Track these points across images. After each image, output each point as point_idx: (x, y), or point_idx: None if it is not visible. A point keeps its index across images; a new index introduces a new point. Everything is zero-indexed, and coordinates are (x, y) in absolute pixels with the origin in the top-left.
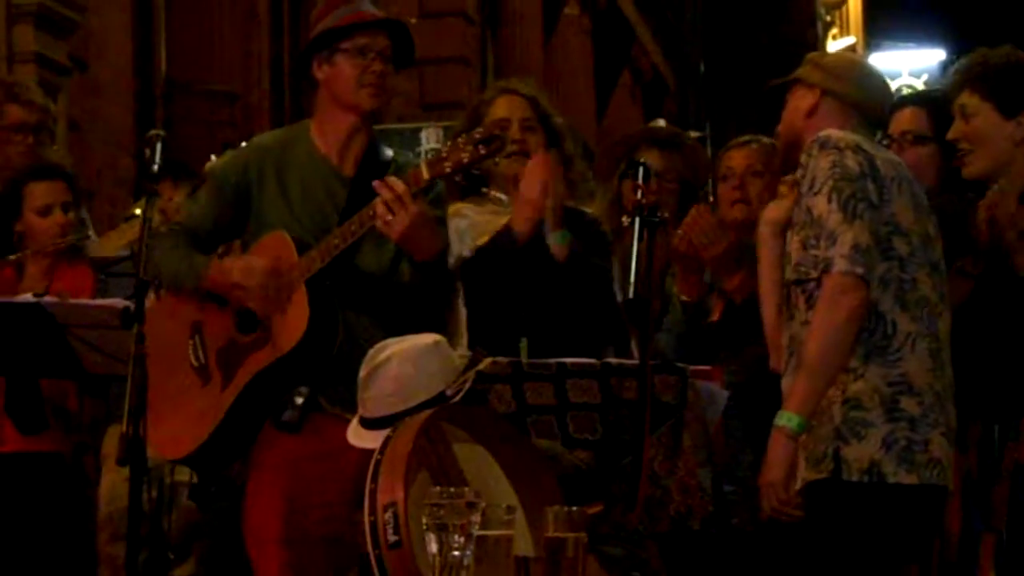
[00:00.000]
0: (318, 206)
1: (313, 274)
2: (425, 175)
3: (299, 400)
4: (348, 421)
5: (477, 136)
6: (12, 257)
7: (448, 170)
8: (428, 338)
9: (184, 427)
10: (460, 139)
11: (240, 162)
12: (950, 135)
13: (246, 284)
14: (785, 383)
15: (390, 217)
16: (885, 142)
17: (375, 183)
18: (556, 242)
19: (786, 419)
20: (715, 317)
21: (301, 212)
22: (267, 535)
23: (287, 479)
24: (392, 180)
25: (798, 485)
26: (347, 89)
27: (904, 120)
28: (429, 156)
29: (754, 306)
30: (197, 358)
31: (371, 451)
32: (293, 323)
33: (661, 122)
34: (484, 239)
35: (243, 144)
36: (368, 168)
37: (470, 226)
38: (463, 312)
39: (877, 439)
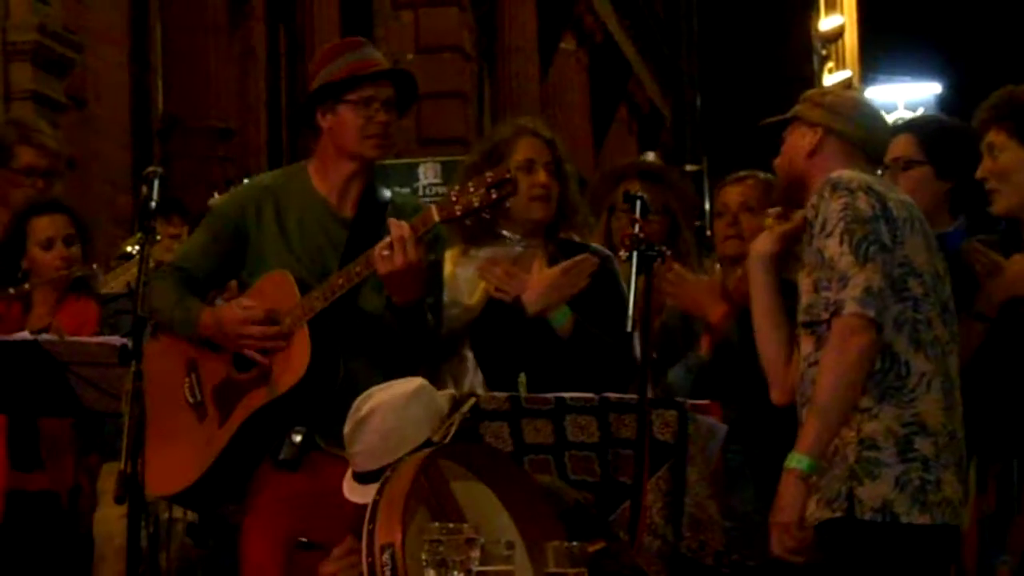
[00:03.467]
0: (317, 247)
1: (315, 314)
2: (435, 217)
3: (297, 438)
4: (344, 460)
5: (488, 179)
6: (12, 290)
7: (459, 213)
8: (410, 384)
9: (178, 464)
10: (470, 182)
11: (238, 201)
12: (978, 173)
13: (242, 333)
14: (801, 423)
15: (387, 254)
16: (879, 172)
17: (389, 220)
18: (559, 322)
19: (796, 461)
20: (703, 351)
21: (300, 252)
22: (267, 573)
23: (286, 517)
24: (401, 223)
25: (809, 525)
26: (351, 140)
27: (896, 148)
28: (439, 198)
29: (741, 339)
30: (193, 395)
31: None
32: (293, 363)
33: (651, 155)
34: (483, 290)
35: (244, 181)
36: (367, 210)
37: (473, 275)
38: (469, 356)
39: (891, 479)
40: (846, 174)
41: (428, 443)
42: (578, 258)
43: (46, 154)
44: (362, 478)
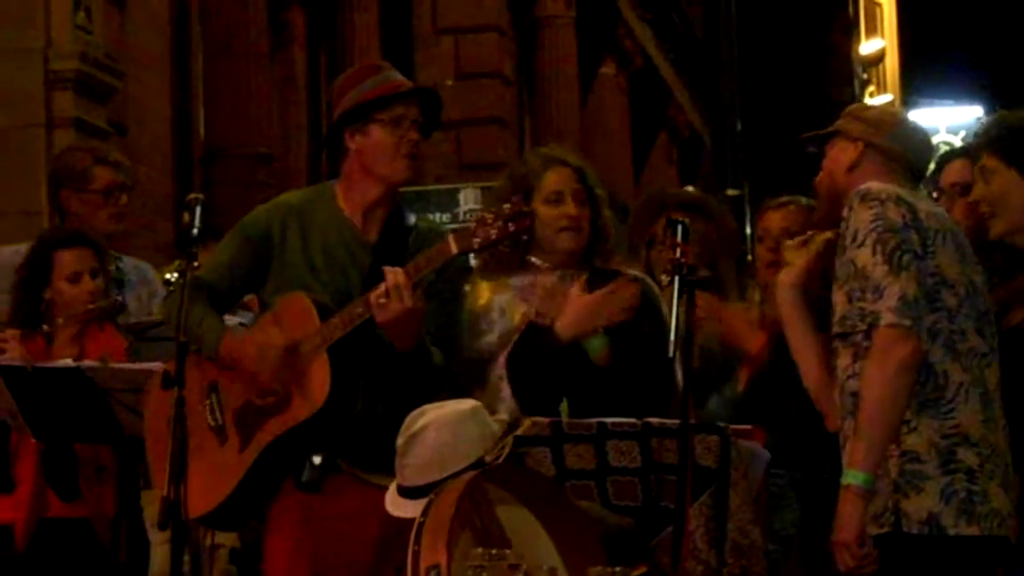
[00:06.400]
0: (341, 269)
1: (334, 342)
2: (453, 249)
3: (317, 460)
4: (367, 483)
5: (506, 212)
6: (45, 327)
7: (476, 246)
8: (466, 404)
9: (201, 487)
10: (487, 215)
11: (264, 219)
12: (972, 196)
13: (260, 365)
14: (842, 439)
15: (383, 301)
16: (935, 195)
17: (384, 268)
18: (595, 351)
19: (852, 477)
20: (741, 387)
21: (324, 274)
22: None
23: (310, 539)
24: (396, 270)
25: None
26: (382, 159)
27: (953, 172)
28: (456, 229)
29: (779, 367)
30: (214, 418)
31: (396, 517)
32: (314, 389)
33: (690, 188)
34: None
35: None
36: (391, 234)
37: (511, 300)
38: (503, 387)
39: (935, 491)
40: (875, 185)
41: (479, 463)
42: (612, 285)
43: (121, 169)
44: (407, 493)
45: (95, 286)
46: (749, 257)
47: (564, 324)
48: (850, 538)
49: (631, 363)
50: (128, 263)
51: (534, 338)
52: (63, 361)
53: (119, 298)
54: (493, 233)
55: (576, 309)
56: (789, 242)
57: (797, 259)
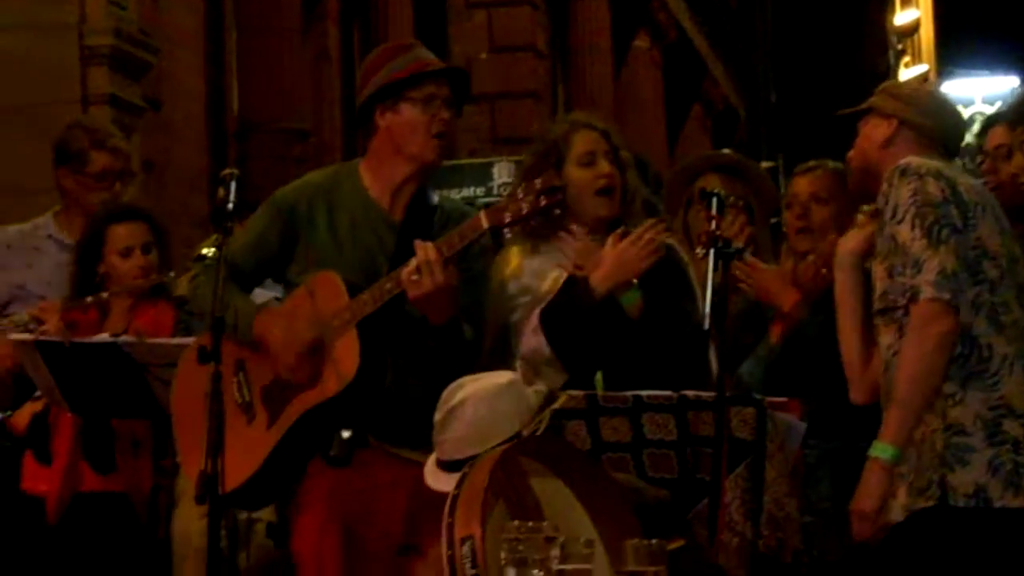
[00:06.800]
0: (367, 249)
1: (364, 318)
2: (484, 224)
3: (346, 435)
4: (396, 456)
5: (537, 186)
6: (89, 299)
7: (507, 220)
8: (503, 377)
9: (228, 464)
10: (519, 189)
11: (291, 197)
12: (1011, 167)
13: (284, 354)
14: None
15: (415, 278)
16: (979, 158)
17: (415, 243)
18: (629, 303)
19: (880, 450)
20: (774, 340)
21: (350, 254)
22: (328, 567)
23: (340, 513)
24: (427, 245)
25: (900, 516)
26: (413, 138)
27: (997, 136)
28: (488, 205)
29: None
30: (241, 395)
31: (425, 489)
32: (343, 365)
33: (727, 151)
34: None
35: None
36: (416, 214)
37: (541, 265)
38: (545, 350)
39: (982, 464)
40: (915, 160)
41: (517, 437)
42: (639, 230)
43: (119, 157)
44: (447, 466)
45: (147, 261)
46: (784, 229)
47: (600, 276)
48: (870, 509)
49: (662, 316)
50: None
51: (571, 291)
52: (100, 336)
53: (172, 274)
54: (524, 208)
55: (610, 260)
56: (865, 207)
57: (867, 226)
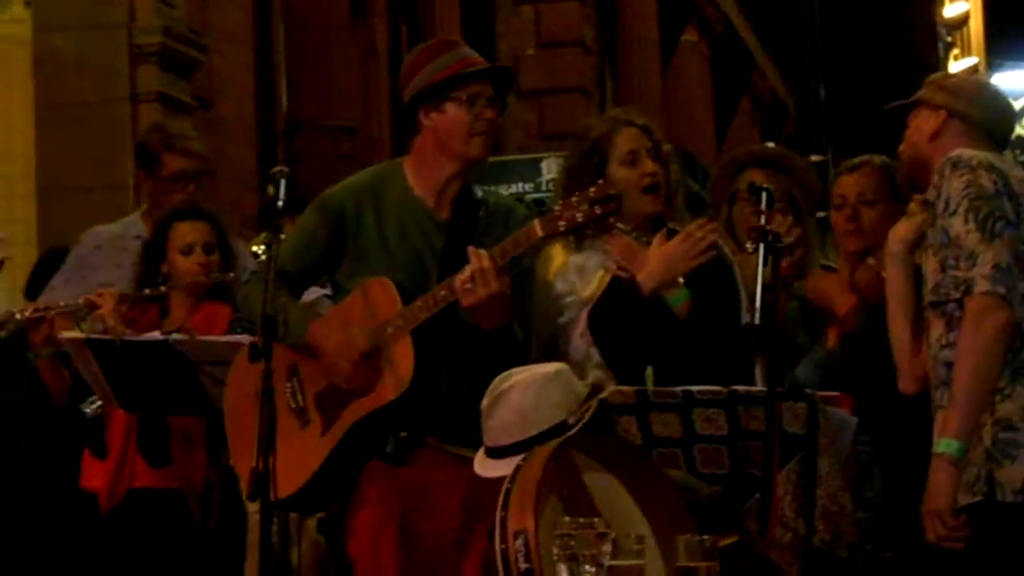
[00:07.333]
0: (415, 250)
1: (418, 324)
2: (539, 232)
3: (402, 434)
4: (451, 455)
5: (591, 195)
6: (147, 291)
7: (562, 229)
8: (551, 367)
9: (283, 470)
10: (574, 197)
11: (339, 198)
12: None
13: (339, 362)
14: (934, 408)
15: (469, 286)
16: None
17: (469, 250)
18: (676, 302)
19: (945, 445)
20: (830, 344)
21: (399, 255)
22: (385, 564)
23: (397, 511)
24: (481, 253)
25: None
26: (458, 137)
27: None
28: (543, 213)
29: (870, 332)
30: (295, 400)
31: (481, 486)
32: (398, 372)
33: (771, 144)
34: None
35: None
36: (462, 212)
37: (586, 262)
38: (592, 352)
39: None
40: (966, 152)
41: (563, 425)
42: (688, 229)
43: (192, 159)
44: (493, 453)
45: (207, 260)
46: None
47: (646, 275)
48: (943, 507)
49: (710, 315)
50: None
51: (617, 292)
52: (151, 334)
53: (231, 274)
54: (579, 216)
55: (657, 259)
56: (917, 196)
57: (919, 215)
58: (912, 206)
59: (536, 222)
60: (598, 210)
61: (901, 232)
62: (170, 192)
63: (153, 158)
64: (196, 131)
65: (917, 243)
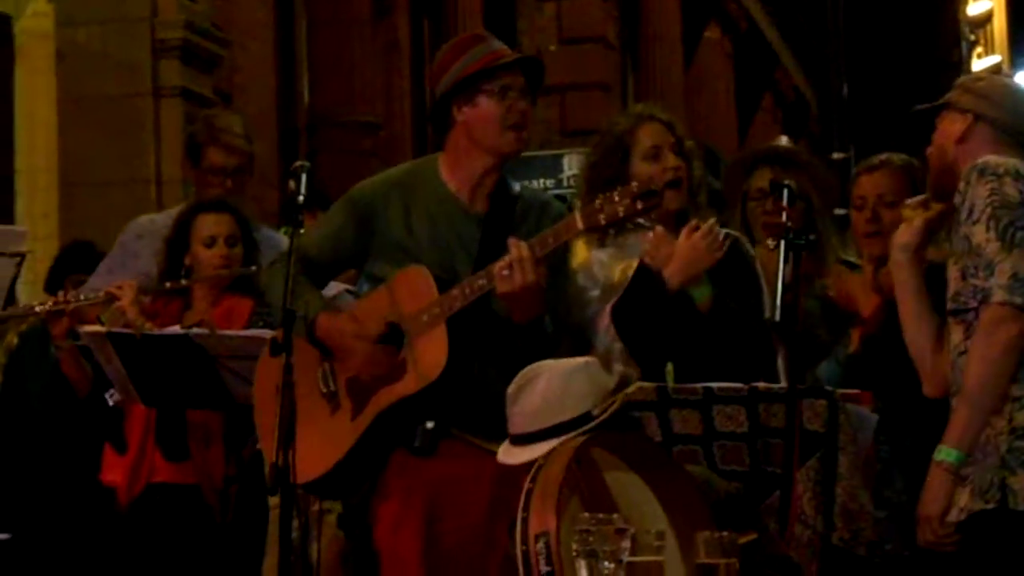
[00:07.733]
0: (445, 244)
1: (453, 313)
2: (580, 225)
3: (429, 425)
4: (478, 447)
5: (634, 190)
6: (168, 284)
7: (603, 222)
8: (580, 359)
9: (311, 454)
10: (616, 192)
11: (369, 191)
12: None
13: (354, 350)
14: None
15: (506, 273)
16: None
17: (509, 240)
18: (700, 297)
19: (945, 453)
20: (853, 348)
21: (427, 249)
22: (408, 557)
23: (421, 503)
24: (520, 244)
25: (961, 517)
26: (492, 131)
27: None
28: (584, 206)
29: (893, 334)
30: (327, 385)
31: (506, 479)
32: (431, 359)
33: (783, 139)
34: (626, 268)
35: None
36: (499, 205)
37: (611, 256)
38: (616, 346)
39: None
40: (993, 159)
41: (588, 416)
42: (707, 225)
43: (232, 153)
44: (516, 440)
45: (230, 252)
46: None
47: (673, 270)
48: (934, 513)
49: (732, 310)
50: (263, 233)
51: (645, 282)
52: (171, 328)
53: (253, 268)
54: (620, 211)
55: (683, 253)
56: (909, 201)
57: (915, 218)
58: (906, 212)
59: (577, 215)
60: (640, 205)
61: (902, 239)
62: (209, 185)
63: (198, 149)
64: None
65: (923, 244)
